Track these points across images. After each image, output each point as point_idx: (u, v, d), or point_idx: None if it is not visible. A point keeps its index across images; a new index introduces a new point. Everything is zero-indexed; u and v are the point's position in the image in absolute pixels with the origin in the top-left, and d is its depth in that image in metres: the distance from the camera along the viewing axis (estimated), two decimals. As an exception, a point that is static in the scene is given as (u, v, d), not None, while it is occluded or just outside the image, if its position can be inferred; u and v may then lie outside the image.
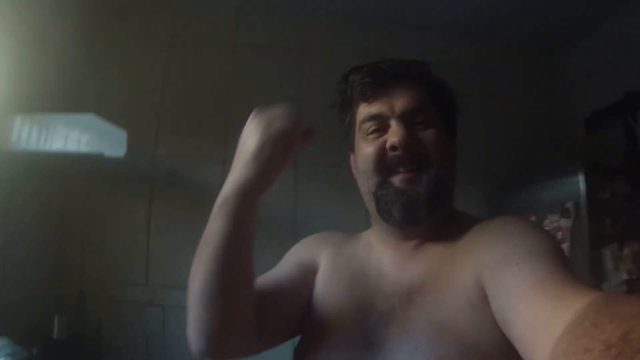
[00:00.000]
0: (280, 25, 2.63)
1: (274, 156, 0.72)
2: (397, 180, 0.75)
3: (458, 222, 0.79)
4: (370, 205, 0.81)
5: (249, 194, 0.71)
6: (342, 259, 0.85)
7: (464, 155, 2.53)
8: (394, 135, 0.75)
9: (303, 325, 0.81)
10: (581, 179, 1.98)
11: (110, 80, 2.42)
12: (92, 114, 1.74)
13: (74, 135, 1.80)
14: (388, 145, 0.75)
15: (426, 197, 0.75)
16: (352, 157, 0.89)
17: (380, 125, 0.78)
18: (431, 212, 0.76)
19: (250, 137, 0.73)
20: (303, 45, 2.62)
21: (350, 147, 0.87)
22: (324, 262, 0.86)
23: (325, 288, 0.82)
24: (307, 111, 0.81)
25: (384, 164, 0.76)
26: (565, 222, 2.03)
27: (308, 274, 0.84)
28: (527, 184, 2.30)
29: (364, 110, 0.80)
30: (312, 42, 2.62)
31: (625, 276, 1.97)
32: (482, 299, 0.63)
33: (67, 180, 2.28)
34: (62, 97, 2.16)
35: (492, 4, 2.41)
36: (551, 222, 2.09)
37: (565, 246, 2.02)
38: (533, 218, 2.19)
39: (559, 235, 2.05)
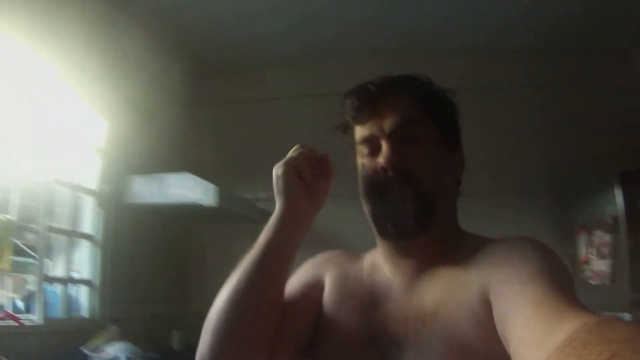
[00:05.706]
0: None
1: (290, 188, 0.81)
2: (389, 197, 0.77)
3: (465, 243, 0.79)
4: (372, 224, 0.82)
5: (284, 225, 0.82)
6: (348, 281, 0.85)
7: (534, 168, 2.51)
8: (381, 156, 0.76)
9: (309, 347, 0.82)
10: (617, 191, 1.88)
11: (206, 136, 3.08)
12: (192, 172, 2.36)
13: (177, 188, 2.40)
14: (378, 167, 0.77)
15: (415, 211, 0.75)
16: None
17: (373, 146, 0.79)
18: (423, 227, 0.76)
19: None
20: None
21: (355, 168, 0.89)
22: (328, 282, 0.86)
23: (333, 312, 0.82)
24: (325, 149, 0.87)
25: (378, 185, 0.78)
26: (608, 237, 1.93)
27: (315, 294, 0.85)
28: (579, 197, 2.20)
29: (358, 132, 0.81)
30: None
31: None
32: (491, 319, 0.64)
33: (184, 224, 2.96)
34: (171, 154, 2.81)
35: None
36: (597, 237, 1.99)
37: (609, 262, 1.92)
38: (584, 234, 2.10)
39: (605, 250, 1.95)
